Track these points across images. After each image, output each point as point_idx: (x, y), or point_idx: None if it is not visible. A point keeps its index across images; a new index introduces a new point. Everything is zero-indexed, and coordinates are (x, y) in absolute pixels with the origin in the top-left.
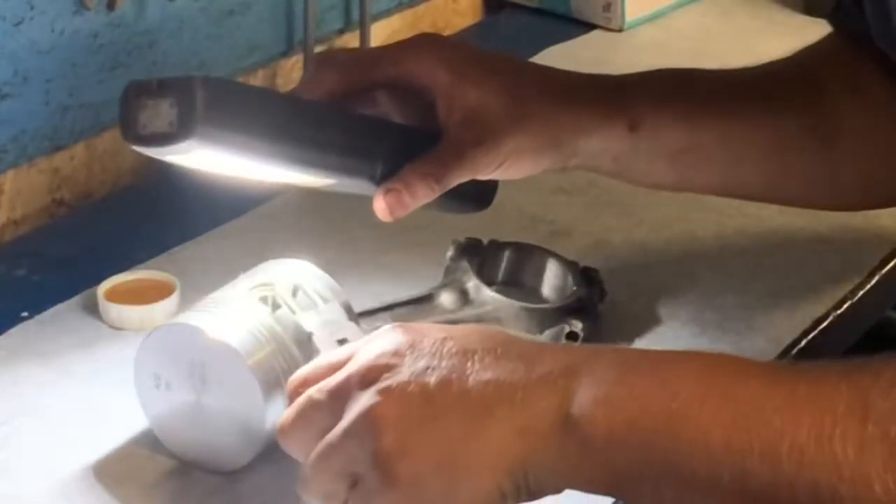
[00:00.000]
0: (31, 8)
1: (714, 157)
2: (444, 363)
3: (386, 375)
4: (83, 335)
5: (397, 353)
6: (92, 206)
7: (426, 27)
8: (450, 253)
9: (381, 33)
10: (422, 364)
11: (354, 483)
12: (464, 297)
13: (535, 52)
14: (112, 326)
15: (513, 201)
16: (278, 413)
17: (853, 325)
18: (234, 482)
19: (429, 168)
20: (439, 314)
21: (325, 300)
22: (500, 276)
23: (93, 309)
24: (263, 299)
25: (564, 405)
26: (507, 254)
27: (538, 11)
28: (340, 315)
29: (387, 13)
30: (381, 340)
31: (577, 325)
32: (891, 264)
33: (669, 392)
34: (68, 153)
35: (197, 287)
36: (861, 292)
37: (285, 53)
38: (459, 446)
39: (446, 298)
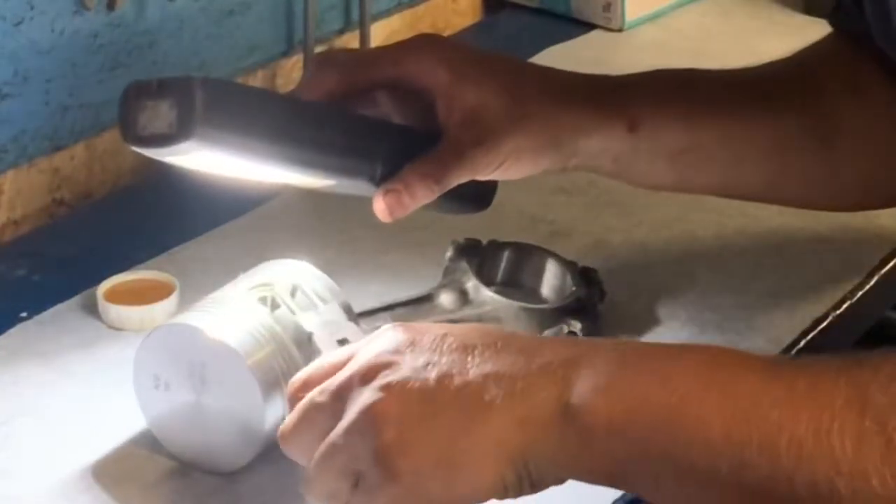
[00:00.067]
0: (31, 8)
1: (714, 157)
2: (444, 359)
3: (386, 372)
4: (83, 335)
5: (397, 351)
6: (92, 206)
7: (426, 27)
8: (449, 253)
9: (381, 33)
10: (422, 360)
11: (357, 481)
12: (463, 298)
13: (535, 52)
14: (112, 326)
15: (513, 201)
16: (278, 413)
17: (853, 325)
18: (234, 482)
19: (428, 168)
20: (439, 314)
21: (324, 301)
22: (500, 276)
23: (92, 309)
24: (262, 300)
25: (564, 395)
26: (506, 254)
27: (538, 11)
28: (340, 315)
29: (387, 13)
30: (382, 339)
31: (577, 326)
32: (891, 264)
33: (669, 385)
34: (68, 153)
35: (197, 287)
36: (861, 292)
37: (285, 53)
38: (460, 439)
39: (446, 299)
